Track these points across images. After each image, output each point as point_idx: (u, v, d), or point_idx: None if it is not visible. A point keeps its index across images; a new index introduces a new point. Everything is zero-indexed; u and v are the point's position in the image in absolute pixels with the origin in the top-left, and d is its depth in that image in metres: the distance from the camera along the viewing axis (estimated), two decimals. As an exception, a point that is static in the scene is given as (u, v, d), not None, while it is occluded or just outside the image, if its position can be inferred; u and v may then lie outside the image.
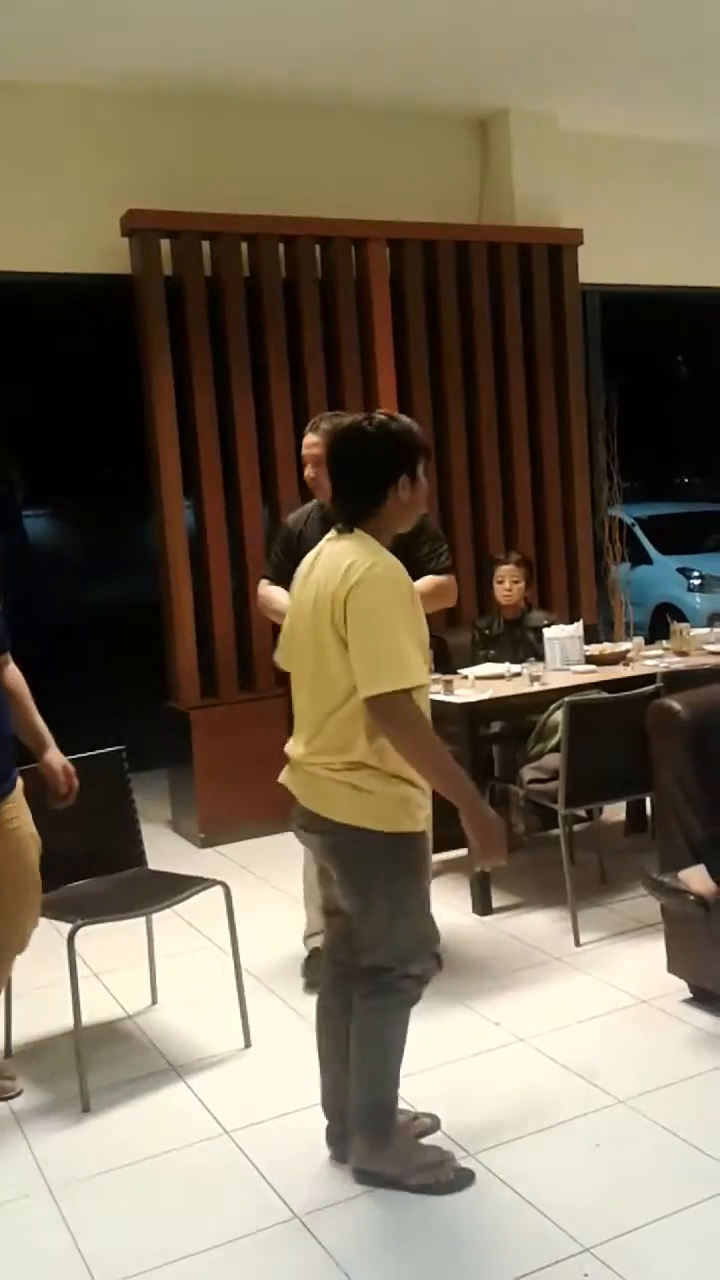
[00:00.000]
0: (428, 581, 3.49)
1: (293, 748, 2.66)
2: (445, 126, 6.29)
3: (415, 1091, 2.94)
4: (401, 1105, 2.76)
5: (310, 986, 3.51)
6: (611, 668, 4.73)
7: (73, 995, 3.11)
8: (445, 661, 4.78)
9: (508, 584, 5.03)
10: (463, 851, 4.48)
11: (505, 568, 5.04)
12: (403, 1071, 2.83)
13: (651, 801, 4.34)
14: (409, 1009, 2.62)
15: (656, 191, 6.87)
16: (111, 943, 3.72)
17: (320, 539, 2.72)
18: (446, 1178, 2.63)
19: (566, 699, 4.07)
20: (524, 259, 6.23)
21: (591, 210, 6.42)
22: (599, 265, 6.50)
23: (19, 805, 3.05)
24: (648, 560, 10.73)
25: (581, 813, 4.50)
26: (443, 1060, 3.17)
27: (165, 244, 5.41)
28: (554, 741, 4.28)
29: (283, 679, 2.86)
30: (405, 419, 2.65)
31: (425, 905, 2.60)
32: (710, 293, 7.46)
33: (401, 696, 2.38)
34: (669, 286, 7.27)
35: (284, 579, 3.60)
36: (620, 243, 6.62)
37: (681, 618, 8.63)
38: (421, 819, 2.56)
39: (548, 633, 4.83)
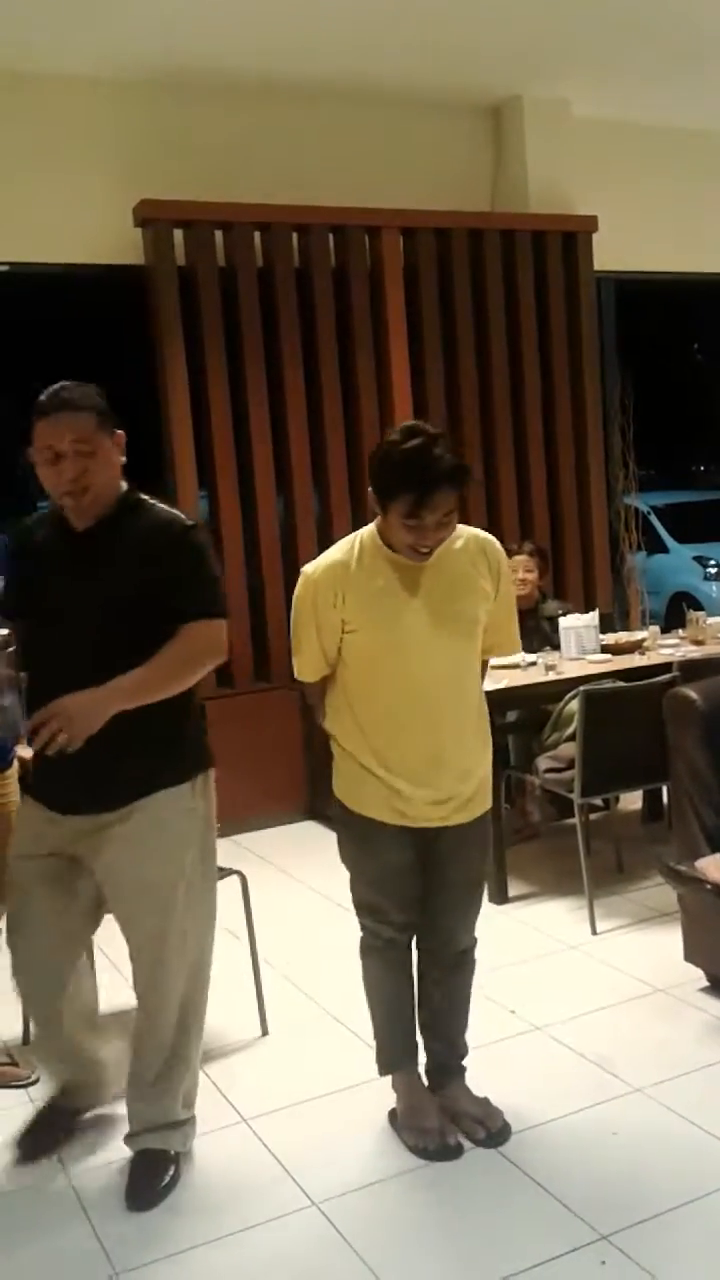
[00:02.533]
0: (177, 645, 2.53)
1: None
2: (458, 114, 6.26)
3: (432, 1080, 2.94)
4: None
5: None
6: (627, 657, 4.73)
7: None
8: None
9: (520, 574, 5.02)
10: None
11: (518, 558, 5.03)
12: (421, 1059, 2.86)
13: (668, 790, 4.33)
14: (374, 959, 2.79)
15: (671, 178, 6.82)
16: (129, 932, 3.74)
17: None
18: (425, 1146, 2.72)
19: (582, 688, 4.07)
20: (538, 246, 6.20)
21: (606, 197, 6.38)
22: (614, 252, 6.46)
23: (12, 782, 3.17)
24: (664, 549, 10.71)
25: (598, 802, 4.50)
26: (459, 1049, 3.17)
27: (178, 234, 5.41)
28: (569, 731, 4.27)
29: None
30: (408, 449, 2.40)
31: (376, 879, 2.70)
32: (726, 279, 7.42)
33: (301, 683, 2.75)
34: (685, 273, 7.23)
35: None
36: (635, 229, 6.58)
37: (698, 606, 8.61)
38: (368, 803, 2.63)
39: (563, 622, 4.82)
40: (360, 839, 2.68)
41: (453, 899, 2.77)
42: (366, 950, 2.81)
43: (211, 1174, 2.74)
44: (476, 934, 2.86)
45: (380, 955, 2.79)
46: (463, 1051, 2.89)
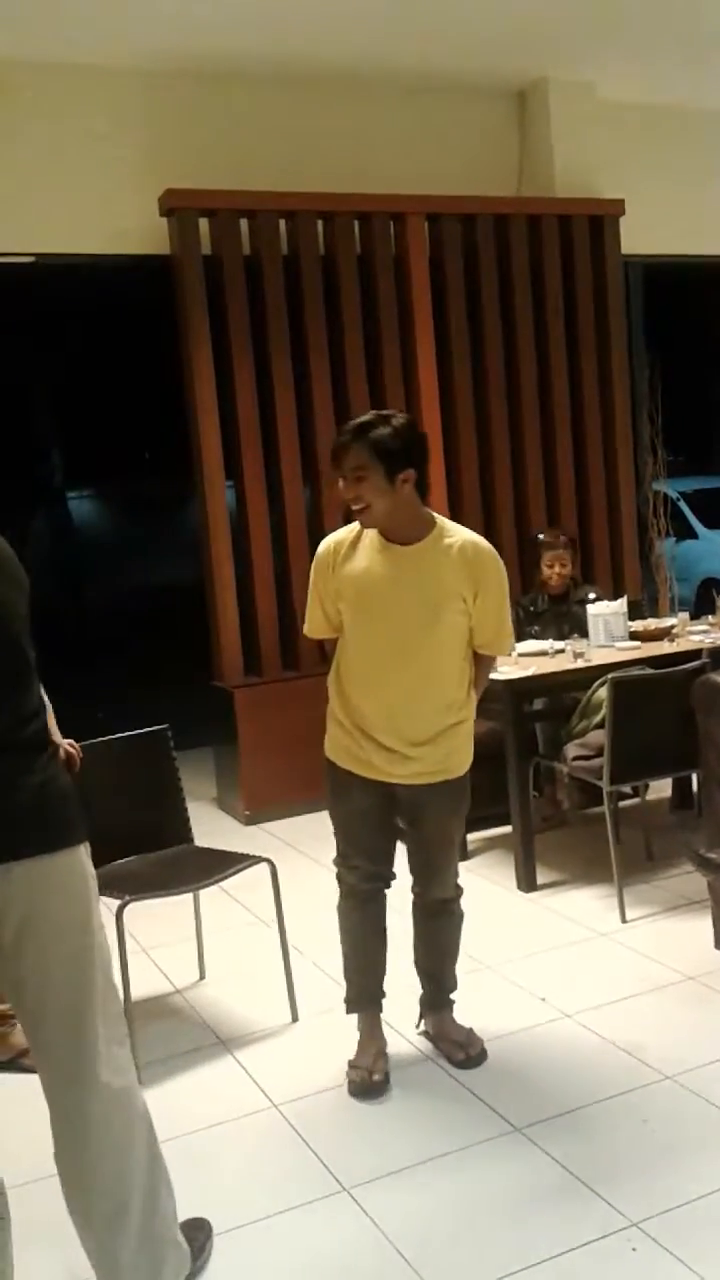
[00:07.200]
0: None
1: None
2: (483, 98, 6.22)
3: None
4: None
5: None
6: (656, 644, 4.70)
7: (121, 970, 3.15)
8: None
9: (556, 567, 5.01)
10: (507, 829, 4.49)
11: (553, 552, 5.02)
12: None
13: (697, 778, 4.31)
14: (343, 902, 3.13)
15: (698, 160, 6.75)
16: (159, 918, 3.77)
17: None
18: (353, 1081, 3.00)
19: (611, 675, 4.05)
20: (564, 231, 6.16)
21: (633, 180, 6.32)
22: (641, 236, 6.40)
23: None
24: (693, 535, 10.64)
25: (627, 789, 4.48)
26: (489, 1035, 3.18)
27: (203, 223, 5.41)
28: (598, 718, 4.26)
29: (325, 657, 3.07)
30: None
31: (342, 823, 3.07)
32: (756, 262, 7.34)
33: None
34: (713, 256, 7.16)
35: None
36: (662, 212, 6.52)
37: (727, 593, 8.54)
38: (338, 752, 3.04)
39: (591, 609, 4.80)
40: (334, 786, 3.07)
41: (425, 852, 3.08)
42: (340, 893, 3.13)
43: (242, 1159, 2.77)
44: (460, 886, 3.14)
45: (346, 900, 3.12)
46: (450, 988, 3.17)
